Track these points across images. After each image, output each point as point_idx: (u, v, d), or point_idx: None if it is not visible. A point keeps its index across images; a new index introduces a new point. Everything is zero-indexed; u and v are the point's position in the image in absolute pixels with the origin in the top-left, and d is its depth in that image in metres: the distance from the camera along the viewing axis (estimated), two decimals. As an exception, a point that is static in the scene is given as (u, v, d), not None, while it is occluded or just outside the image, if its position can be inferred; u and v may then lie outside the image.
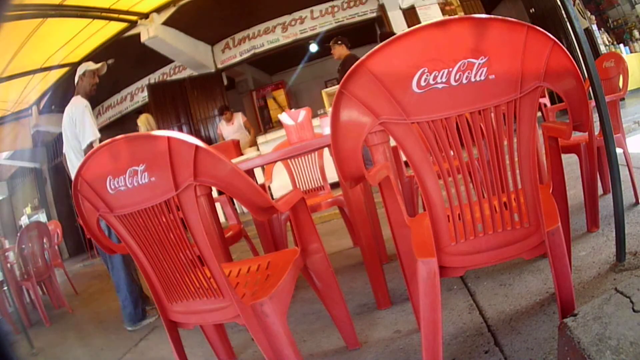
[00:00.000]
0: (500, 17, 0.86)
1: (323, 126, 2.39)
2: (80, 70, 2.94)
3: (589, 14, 7.24)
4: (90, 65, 2.95)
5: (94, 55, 6.63)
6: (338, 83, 5.56)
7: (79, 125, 2.76)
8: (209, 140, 7.65)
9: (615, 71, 2.20)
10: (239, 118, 6.85)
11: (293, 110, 2.54)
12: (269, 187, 3.19)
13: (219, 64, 8.10)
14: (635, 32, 7.63)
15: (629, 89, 2.22)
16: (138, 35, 6.27)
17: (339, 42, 4.94)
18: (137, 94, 8.42)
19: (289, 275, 1.25)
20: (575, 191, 2.31)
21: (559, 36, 4.84)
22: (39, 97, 7.48)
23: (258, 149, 6.14)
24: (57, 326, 3.34)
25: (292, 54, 8.23)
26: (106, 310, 3.41)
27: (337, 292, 1.46)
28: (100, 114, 8.95)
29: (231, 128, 6.75)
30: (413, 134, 0.94)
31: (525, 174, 0.97)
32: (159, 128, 7.34)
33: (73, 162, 2.76)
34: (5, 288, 3.66)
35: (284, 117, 2.43)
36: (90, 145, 2.77)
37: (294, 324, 1.85)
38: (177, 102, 8.01)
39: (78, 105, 2.80)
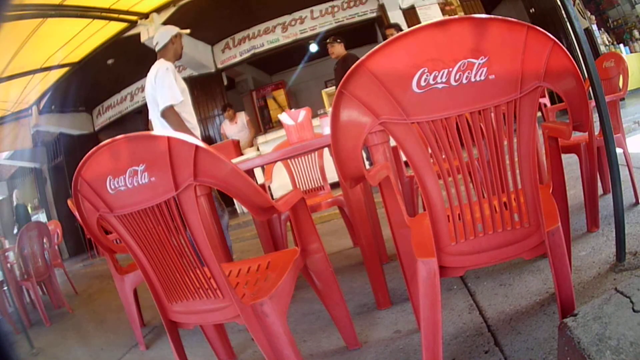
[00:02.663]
0: (500, 17, 0.86)
1: (323, 126, 2.40)
2: (171, 31, 2.85)
3: (589, 14, 7.24)
4: (178, 29, 2.89)
5: (94, 55, 6.64)
6: (335, 82, 5.60)
7: (159, 86, 2.63)
8: (209, 140, 7.65)
9: (615, 71, 2.20)
10: (242, 117, 6.86)
11: (293, 110, 2.54)
12: (269, 187, 3.19)
13: (219, 64, 8.10)
14: (635, 32, 7.63)
15: (629, 89, 2.22)
16: (138, 35, 6.26)
17: (338, 40, 4.92)
18: (137, 94, 8.42)
19: (289, 275, 1.25)
20: (575, 191, 2.31)
21: (559, 36, 4.83)
22: (39, 97, 7.48)
23: (258, 149, 6.14)
24: (57, 326, 3.33)
25: (292, 54, 8.23)
26: (106, 310, 3.41)
27: (337, 292, 1.46)
28: (100, 114, 8.96)
29: (235, 127, 6.76)
30: (413, 134, 0.94)
31: (525, 174, 0.97)
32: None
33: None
34: (5, 288, 3.66)
35: (284, 117, 2.43)
36: (170, 110, 2.60)
37: (294, 324, 1.85)
38: (177, 102, 8.00)
39: (160, 67, 2.71)
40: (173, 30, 2.92)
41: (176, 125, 2.65)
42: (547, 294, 1.47)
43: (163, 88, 2.64)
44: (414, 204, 2.46)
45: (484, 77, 0.88)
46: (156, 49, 2.92)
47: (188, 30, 2.99)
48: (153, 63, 3.01)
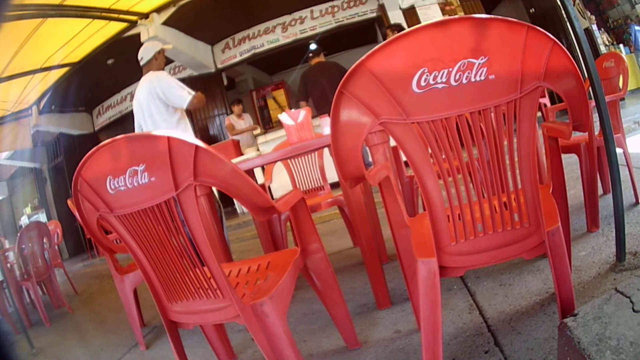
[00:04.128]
0: (500, 17, 0.86)
1: (323, 126, 2.40)
2: (154, 48, 3.05)
3: (589, 14, 7.24)
4: (161, 45, 3.11)
5: (94, 55, 6.63)
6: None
7: (172, 89, 2.88)
8: (209, 140, 7.65)
9: (615, 71, 2.20)
10: (249, 117, 6.92)
11: (293, 110, 2.54)
12: (269, 187, 3.19)
13: (219, 64, 8.10)
14: (635, 32, 7.62)
15: (629, 89, 2.22)
16: (138, 35, 6.26)
17: (316, 50, 5.34)
18: (137, 94, 8.42)
19: (289, 275, 1.25)
20: (575, 191, 2.31)
21: (559, 36, 4.83)
22: (39, 97, 7.48)
23: (258, 149, 6.14)
24: (57, 326, 3.33)
25: (292, 54, 8.22)
26: (106, 310, 3.41)
27: (337, 292, 1.46)
28: (100, 114, 8.96)
29: (243, 122, 6.80)
30: (413, 134, 0.94)
31: (525, 174, 0.97)
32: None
33: None
34: (5, 288, 3.65)
35: (284, 117, 2.43)
36: (194, 97, 2.90)
37: (294, 324, 1.85)
38: (177, 102, 8.00)
39: (158, 75, 2.93)
40: (157, 46, 3.09)
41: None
42: (547, 294, 1.47)
43: (177, 88, 2.91)
44: (414, 204, 2.46)
45: (484, 77, 0.88)
46: (141, 64, 3.07)
47: (170, 46, 3.18)
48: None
